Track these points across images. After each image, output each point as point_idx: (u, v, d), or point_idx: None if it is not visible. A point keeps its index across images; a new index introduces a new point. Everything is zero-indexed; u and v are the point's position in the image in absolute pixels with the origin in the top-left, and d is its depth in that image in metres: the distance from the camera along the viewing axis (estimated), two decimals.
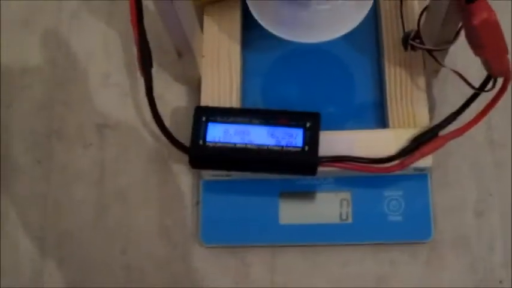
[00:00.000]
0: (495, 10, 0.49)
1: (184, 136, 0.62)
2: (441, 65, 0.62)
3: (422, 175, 0.65)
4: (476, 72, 0.62)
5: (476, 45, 0.51)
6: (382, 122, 0.66)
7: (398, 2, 0.66)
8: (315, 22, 0.57)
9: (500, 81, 0.55)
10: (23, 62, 0.75)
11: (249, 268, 0.66)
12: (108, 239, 0.69)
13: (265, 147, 0.59)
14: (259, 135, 0.60)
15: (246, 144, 0.60)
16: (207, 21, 0.69)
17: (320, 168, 0.60)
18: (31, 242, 0.69)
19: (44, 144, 0.72)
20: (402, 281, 0.65)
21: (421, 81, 0.65)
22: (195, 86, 0.70)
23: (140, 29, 0.57)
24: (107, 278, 0.67)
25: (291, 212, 0.66)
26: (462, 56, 0.68)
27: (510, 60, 0.52)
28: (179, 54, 0.64)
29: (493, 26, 0.49)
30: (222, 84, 0.66)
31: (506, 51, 0.51)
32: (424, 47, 0.61)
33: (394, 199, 0.65)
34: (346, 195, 0.66)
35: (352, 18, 0.58)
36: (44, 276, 0.68)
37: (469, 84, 0.58)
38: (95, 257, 0.68)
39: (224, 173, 0.64)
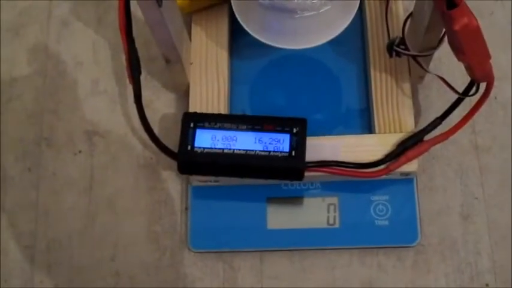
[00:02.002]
0: (476, 15, 0.49)
1: (173, 142, 0.63)
2: (426, 70, 0.62)
3: (408, 179, 0.66)
4: (460, 77, 0.63)
5: (458, 51, 0.52)
6: (368, 127, 0.67)
7: (384, 9, 0.67)
8: (300, 28, 0.58)
9: (483, 86, 0.55)
10: (13, 71, 0.76)
11: (237, 273, 0.66)
12: (97, 245, 0.69)
13: (253, 153, 0.60)
14: (246, 141, 0.60)
15: (233, 149, 0.60)
16: (195, 28, 0.69)
17: (307, 173, 0.60)
18: (21, 249, 0.69)
19: (34, 152, 0.72)
20: (389, 284, 0.65)
21: (406, 87, 0.66)
22: (183, 93, 0.71)
23: (129, 37, 0.58)
24: (97, 285, 0.68)
25: (279, 217, 0.66)
26: (446, 62, 0.70)
27: (492, 65, 0.53)
28: (167, 62, 0.65)
29: (474, 31, 0.50)
30: (210, 91, 0.67)
31: (488, 56, 0.52)
32: (408, 53, 0.62)
33: (380, 203, 0.66)
34: (333, 200, 0.66)
35: (337, 24, 0.59)
36: (34, 284, 0.68)
37: (453, 89, 0.59)
38: (84, 263, 0.68)
39: (212, 178, 0.65)
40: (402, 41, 0.62)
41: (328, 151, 0.62)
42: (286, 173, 0.61)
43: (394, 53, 0.63)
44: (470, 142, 0.69)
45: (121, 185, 0.70)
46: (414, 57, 0.62)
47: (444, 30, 0.57)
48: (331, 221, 0.66)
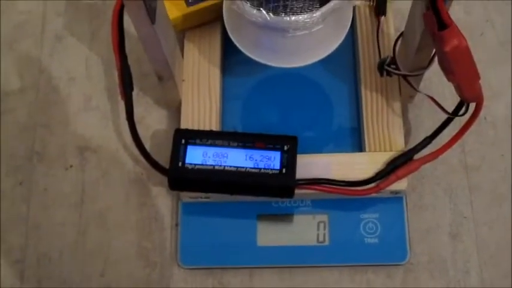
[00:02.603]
0: (466, 35, 0.50)
1: (164, 158, 0.63)
2: (416, 90, 0.63)
3: (398, 198, 0.66)
4: (450, 97, 0.64)
5: (448, 71, 0.52)
6: (358, 145, 0.67)
7: (375, 29, 0.67)
8: (293, 47, 0.58)
9: (473, 106, 0.56)
10: (6, 85, 0.76)
11: None
12: (87, 261, 0.69)
13: (244, 170, 0.60)
14: (237, 158, 0.61)
15: (224, 166, 0.60)
16: (188, 45, 0.70)
17: (297, 191, 0.61)
18: (11, 264, 0.69)
19: (26, 167, 0.72)
20: None
21: (397, 106, 0.66)
22: (175, 110, 0.71)
23: (121, 54, 0.58)
24: None
25: (269, 234, 0.66)
26: (436, 82, 0.70)
27: (482, 86, 0.54)
28: (160, 78, 0.65)
29: (464, 52, 0.50)
30: (202, 108, 0.67)
31: (477, 77, 0.53)
32: (399, 73, 0.62)
33: (370, 221, 0.66)
34: (323, 217, 0.66)
35: (329, 43, 0.60)
36: None
37: (443, 109, 0.59)
38: (74, 279, 0.68)
39: (203, 195, 0.65)
40: (393, 61, 0.62)
41: (319, 169, 0.62)
42: (277, 190, 0.61)
43: (385, 72, 0.63)
44: (459, 161, 0.70)
45: (112, 201, 0.70)
46: (405, 76, 0.62)
47: (434, 50, 0.57)
48: (321, 239, 0.66)
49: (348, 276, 0.66)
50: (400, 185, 0.63)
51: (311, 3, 0.55)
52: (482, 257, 0.67)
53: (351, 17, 0.61)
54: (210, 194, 0.64)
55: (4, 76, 0.76)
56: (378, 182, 0.62)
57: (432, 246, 0.67)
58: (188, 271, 0.67)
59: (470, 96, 0.54)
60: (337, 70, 0.71)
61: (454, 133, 0.59)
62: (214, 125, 0.66)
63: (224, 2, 0.63)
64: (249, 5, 0.55)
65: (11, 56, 0.77)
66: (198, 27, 0.70)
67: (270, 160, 0.60)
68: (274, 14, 0.54)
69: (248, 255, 0.66)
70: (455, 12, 0.51)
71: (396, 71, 0.62)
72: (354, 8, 0.68)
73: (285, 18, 0.55)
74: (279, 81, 0.71)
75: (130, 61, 0.59)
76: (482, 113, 0.56)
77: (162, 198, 0.70)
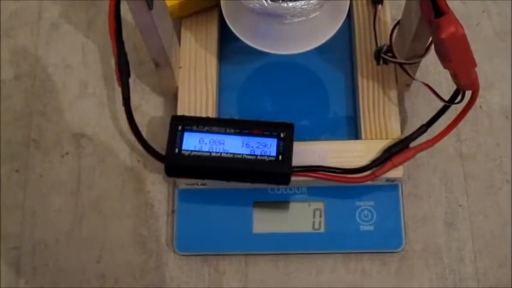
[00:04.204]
0: (463, 26, 0.50)
1: (160, 145, 0.63)
2: (412, 78, 0.63)
3: (393, 186, 0.66)
4: (446, 85, 0.64)
5: (444, 59, 0.52)
6: (354, 133, 0.68)
7: (372, 17, 0.68)
8: (290, 34, 0.58)
9: (469, 94, 0.56)
10: (2, 73, 0.76)
11: (222, 276, 0.67)
12: (83, 247, 0.69)
13: (240, 156, 0.60)
14: (234, 145, 0.61)
15: (221, 153, 0.60)
16: (185, 33, 0.70)
17: (293, 178, 0.61)
18: (7, 250, 0.69)
19: (22, 154, 0.72)
20: None
21: (393, 94, 0.66)
22: (171, 97, 0.71)
23: (118, 40, 0.58)
24: (82, 287, 0.68)
25: (265, 221, 0.66)
26: (433, 70, 0.70)
27: (478, 74, 0.54)
28: (156, 65, 0.65)
29: (460, 40, 0.50)
30: (198, 95, 0.67)
31: (473, 64, 0.53)
32: (396, 61, 0.62)
33: (366, 209, 0.66)
34: (319, 205, 0.66)
35: (326, 30, 0.60)
36: (19, 285, 0.68)
37: (439, 97, 0.60)
38: (70, 265, 0.68)
39: (199, 182, 0.65)
40: (389, 49, 0.62)
41: (315, 156, 0.63)
42: (273, 177, 0.61)
43: (381, 61, 0.63)
44: (455, 150, 0.70)
45: (108, 188, 0.70)
46: (401, 64, 0.62)
47: (431, 38, 0.57)
48: (316, 226, 0.66)
49: (343, 264, 0.67)
50: (396, 172, 0.63)
51: None
52: (477, 245, 0.67)
53: (348, 5, 0.61)
54: (206, 181, 0.64)
55: (0, 64, 0.76)
56: (373, 169, 0.62)
57: (427, 234, 0.67)
58: (184, 258, 0.67)
59: (466, 83, 0.55)
60: (334, 58, 0.71)
61: (450, 121, 0.59)
62: (210, 113, 0.66)
63: None
64: None
65: (7, 43, 0.77)
66: (195, 14, 0.70)
67: (267, 147, 0.61)
68: (271, 0, 0.54)
69: (244, 242, 0.66)
70: (452, 2, 0.51)
71: (393, 59, 0.62)
72: None
73: (282, 4, 0.55)
74: (275, 69, 0.71)
75: (127, 49, 0.59)
76: (477, 102, 0.56)
77: (158, 185, 0.70)
